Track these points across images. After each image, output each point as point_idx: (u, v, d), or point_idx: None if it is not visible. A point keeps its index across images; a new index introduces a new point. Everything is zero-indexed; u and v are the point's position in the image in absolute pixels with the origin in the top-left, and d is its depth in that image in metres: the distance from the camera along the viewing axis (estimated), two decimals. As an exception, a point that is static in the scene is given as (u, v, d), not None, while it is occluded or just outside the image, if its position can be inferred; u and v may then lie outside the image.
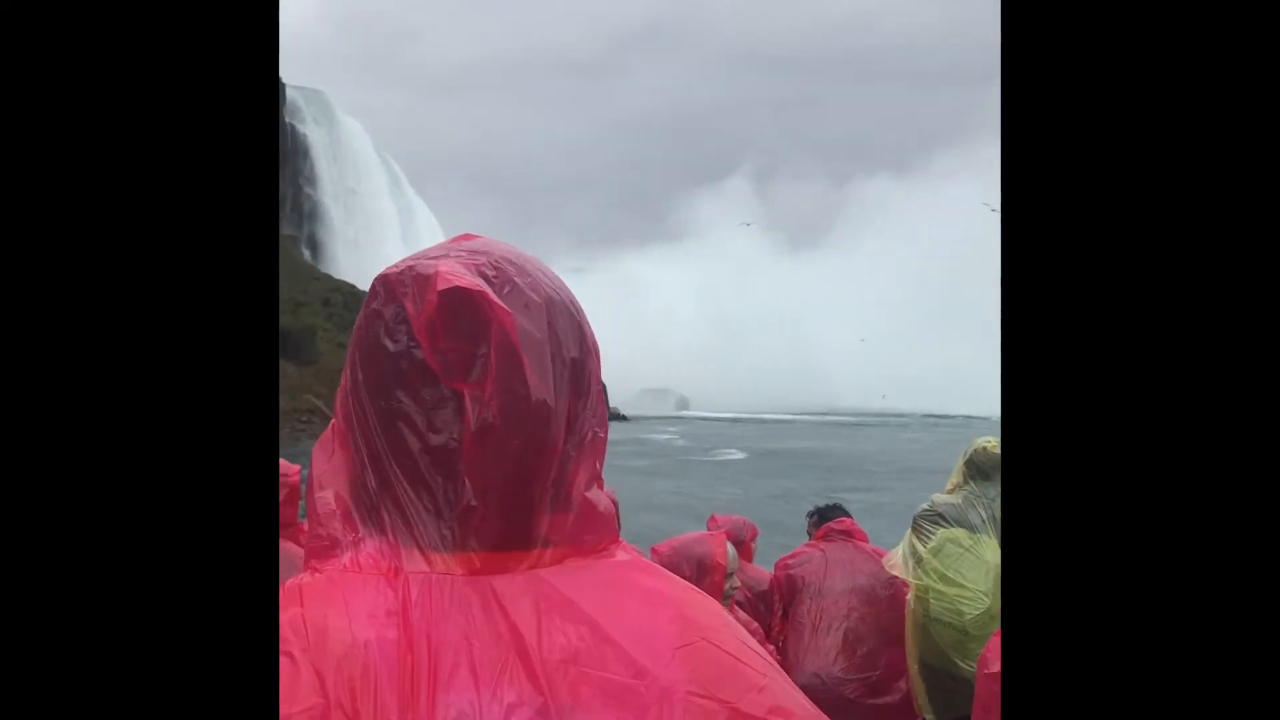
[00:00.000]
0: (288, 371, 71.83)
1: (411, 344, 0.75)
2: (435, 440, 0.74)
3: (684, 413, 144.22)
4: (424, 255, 0.81)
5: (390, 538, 0.75)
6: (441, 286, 0.74)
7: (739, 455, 48.18)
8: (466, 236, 0.84)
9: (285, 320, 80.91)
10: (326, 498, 0.79)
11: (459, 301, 0.74)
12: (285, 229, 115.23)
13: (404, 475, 0.75)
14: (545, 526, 0.76)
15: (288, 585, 0.75)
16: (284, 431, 60.15)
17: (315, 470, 0.82)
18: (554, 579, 0.74)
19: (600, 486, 0.81)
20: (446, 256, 0.79)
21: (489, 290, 0.75)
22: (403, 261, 0.81)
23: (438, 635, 0.70)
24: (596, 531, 0.79)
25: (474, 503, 0.74)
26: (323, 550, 0.77)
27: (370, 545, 0.76)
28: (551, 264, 0.83)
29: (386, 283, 0.79)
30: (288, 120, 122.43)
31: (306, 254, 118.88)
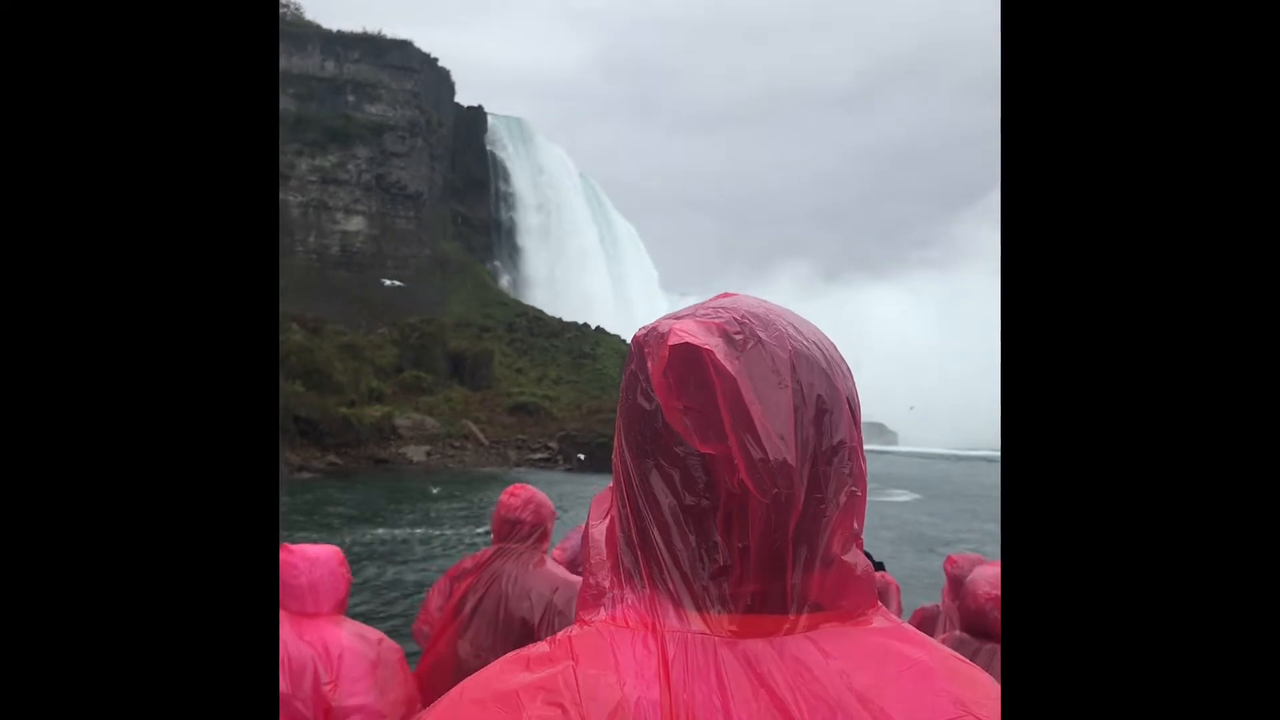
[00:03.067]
0: (451, 396, 70.54)
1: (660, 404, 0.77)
2: (688, 500, 0.75)
3: (887, 448, 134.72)
4: (672, 315, 0.82)
5: (649, 593, 0.76)
6: (673, 342, 0.76)
7: (907, 497, 44.90)
8: (724, 295, 0.85)
9: (464, 344, 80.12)
10: (600, 549, 0.82)
11: (688, 359, 0.75)
12: (481, 255, 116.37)
13: (660, 533, 0.76)
14: (801, 588, 0.75)
15: (558, 637, 0.78)
16: (433, 456, 58.59)
17: (591, 521, 0.85)
18: (813, 646, 0.73)
19: (859, 548, 0.80)
20: (691, 316, 0.80)
21: (720, 348, 0.76)
22: (650, 322, 0.82)
23: (694, 697, 0.70)
24: (854, 595, 0.77)
25: (728, 563, 0.74)
26: (590, 601, 0.80)
27: (631, 597, 0.77)
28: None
29: (638, 344, 0.80)
30: (488, 148, 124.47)
31: (505, 279, 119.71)
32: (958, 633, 3.14)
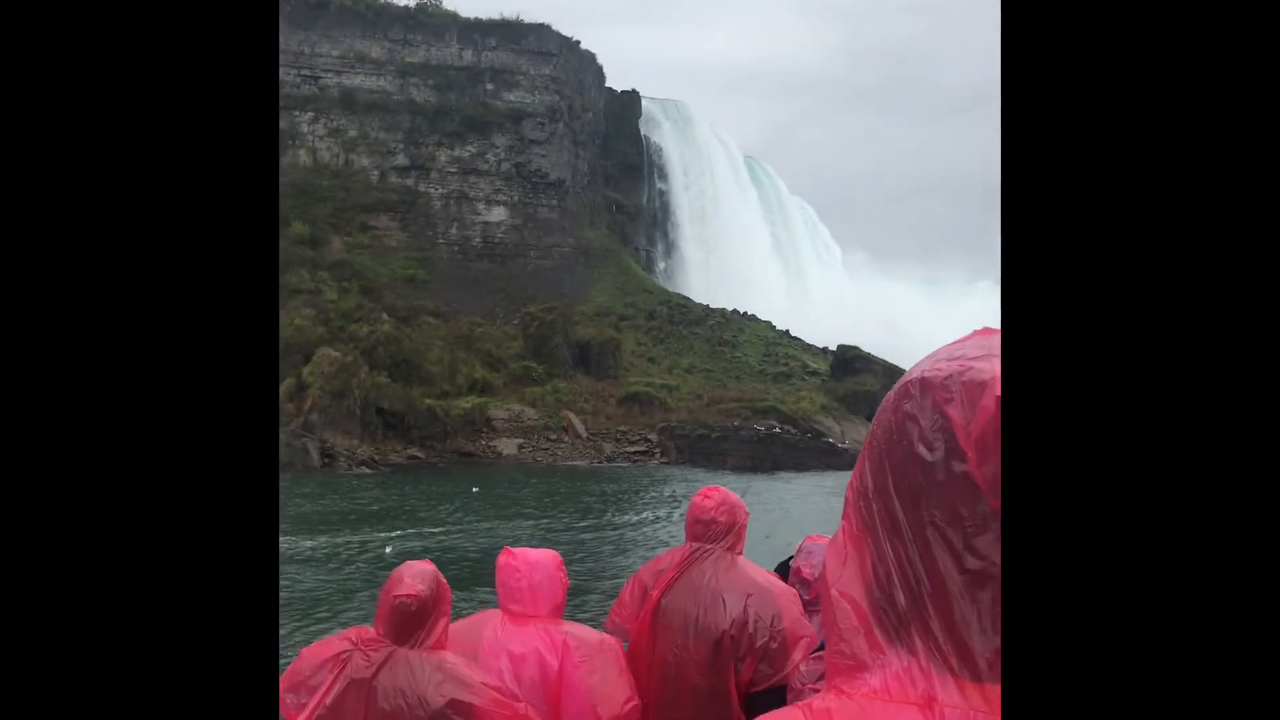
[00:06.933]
0: (559, 386, 67.62)
1: (951, 455, 0.69)
2: (972, 563, 0.68)
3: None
4: (964, 356, 0.73)
5: (921, 662, 0.69)
6: (1000, 393, 0.68)
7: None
8: (987, 331, 0.77)
9: (590, 333, 77.26)
10: (848, 611, 0.74)
11: None
12: (633, 242, 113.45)
13: (938, 596, 0.69)
14: None
15: (815, 707, 0.71)
16: (525, 450, 55.72)
17: (830, 576, 0.77)
18: None
19: None
20: (988, 355, 0.71)
21: None
22: (942, 362, 0.73)
23: None
24: None
25: None
26: (847, 670, 0.72)
27: (897, 666, 0.70)
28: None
29: (927, 386, 0.73)
30: (642, 132, 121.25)
31: (660, 265, 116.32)
32: None
